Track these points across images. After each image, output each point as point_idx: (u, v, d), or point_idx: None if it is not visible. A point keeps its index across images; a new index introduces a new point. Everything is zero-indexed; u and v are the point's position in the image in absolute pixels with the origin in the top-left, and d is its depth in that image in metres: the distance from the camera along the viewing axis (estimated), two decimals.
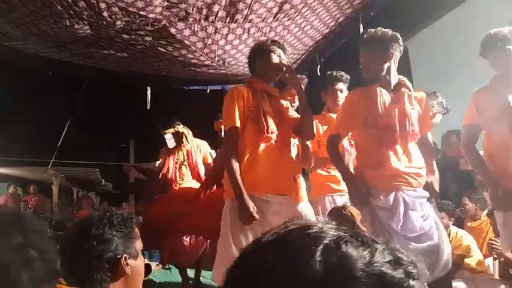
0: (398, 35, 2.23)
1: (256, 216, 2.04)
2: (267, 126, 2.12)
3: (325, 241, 0.42)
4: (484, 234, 3.44)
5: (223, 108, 2.23)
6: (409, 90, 2.24)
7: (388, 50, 2.19)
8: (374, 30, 2.26)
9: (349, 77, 3.09)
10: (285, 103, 2.40)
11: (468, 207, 3.57)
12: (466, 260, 3.15)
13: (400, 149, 2.18)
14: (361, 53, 2.27)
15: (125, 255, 1.25)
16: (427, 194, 2.21)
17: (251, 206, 2.04)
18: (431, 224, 2.14)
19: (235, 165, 2.10)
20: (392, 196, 2.12)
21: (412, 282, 0.42)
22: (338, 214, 2.03)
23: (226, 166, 2.14)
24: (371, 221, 2.12)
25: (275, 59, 2.29)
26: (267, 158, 2.15)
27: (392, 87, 2.25)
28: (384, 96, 2.21)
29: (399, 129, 2.14)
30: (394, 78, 2.25)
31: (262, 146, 2.16)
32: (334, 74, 3.07)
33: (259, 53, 2.34)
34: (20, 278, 0.63)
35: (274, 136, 2.15)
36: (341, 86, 3.04)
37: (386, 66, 2.21)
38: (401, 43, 2.24)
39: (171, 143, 3.79)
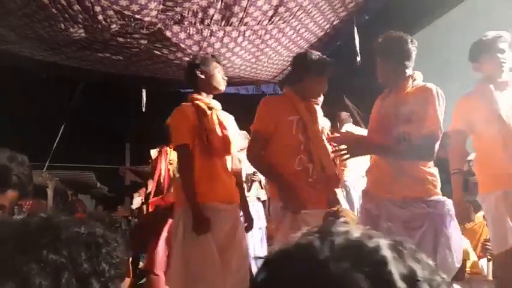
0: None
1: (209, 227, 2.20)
2: (210, 143, 2.30)
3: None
4: (477, 235, 3.46)
5: (171, 126, 2.44)
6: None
7: None
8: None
9: None
10: (226, 114, 2.53)
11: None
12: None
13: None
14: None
15: None
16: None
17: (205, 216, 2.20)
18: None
19: (190, 178, 2.26)
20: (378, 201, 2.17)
21: None
22: (333, 216, 2.04)
23: (183, 179, 2.29)
24: (371, 223, 2.14)
25: (218, 75, 2.45)
26: (215, 169, 2.32)
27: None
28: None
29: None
30: None
31: (209, 159, 2.32)
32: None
33: (202, 67, 2.46)
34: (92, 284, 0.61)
35: (218, 150, 2.33)
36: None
37: None
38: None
39: None
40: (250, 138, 2.40)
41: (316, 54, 2.33)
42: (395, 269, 0.39)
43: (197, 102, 2.42)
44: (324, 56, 2.39)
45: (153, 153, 3.79)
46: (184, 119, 2.36)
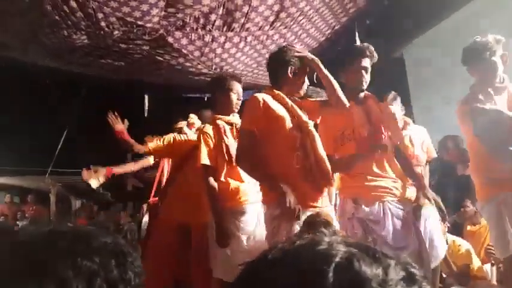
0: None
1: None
2: (231, 157, 2.36)
3: (337, 259, 0.40)
4: (482, 239, 3.44)
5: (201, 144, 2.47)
6: (377, 101, 2.30)
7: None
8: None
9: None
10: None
11: (469, 209, 3.56)
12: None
13: (380, 160, 2.20)
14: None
15: None
16: (410, 203, 2.24)
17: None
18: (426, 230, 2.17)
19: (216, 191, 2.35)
20: (377, 207, 2.13)
21: None
22: (316, 222, 1.98)
23: (211, 191, 2.37)
24: (362, 232, 2.12)
25: (234, 97, 2.55)
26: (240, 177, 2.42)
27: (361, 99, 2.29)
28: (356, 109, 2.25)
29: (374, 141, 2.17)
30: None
31: (231, 170, 2.40)
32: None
33: (220, 89, 2.55)
34: None
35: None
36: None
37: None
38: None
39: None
40: (239, 138, 2.25)
41: (292, 49, 2.23)
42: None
43: (217, 121, 2.51)
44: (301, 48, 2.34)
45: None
46: (205, 140, 2.48)
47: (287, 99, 2.13)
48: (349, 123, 2.21)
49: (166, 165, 3.63)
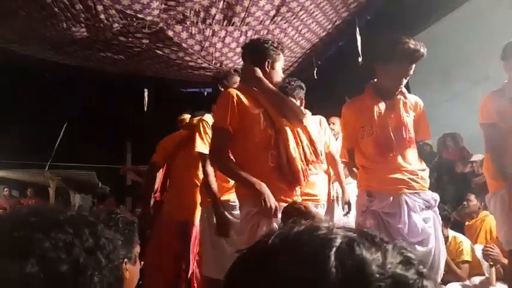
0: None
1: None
2: None
3: (337, 243, 0.41)
4: (477, 232, 3.45)
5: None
6: (405, 97, 2.23)
7: None
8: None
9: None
10: None
11: (472, 204, 3.55)
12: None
13: (400, 155, 2.12)
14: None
15: (125, 259, 1.24)
16: (430, 196, 2.15)
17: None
18: (431, 227, 2.13)
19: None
20: (393, 199, 2.08)
21: (425, 282, 0.41)
22: (294, 209, 1.98)
23: (207, 179, 2.36)
24: (376, 224, 2.07)
25: None
26: None
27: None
28: (379, 105, 2.19)
29: (396, 138, 2.10)
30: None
31: None
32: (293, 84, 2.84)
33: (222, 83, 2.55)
34: (92, 280, 0.66)
35: None
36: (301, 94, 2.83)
37: None
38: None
39: None
40: (212, 136, 2.16)
41: (263, 39, 2.17)
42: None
43: None
44: (270, 40, 2.19)
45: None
46: (204, 128, 2.49)
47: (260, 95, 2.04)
48: (371, 120, 2.13)
49: None
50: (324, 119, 3.06)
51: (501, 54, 2.41)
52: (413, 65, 2.07)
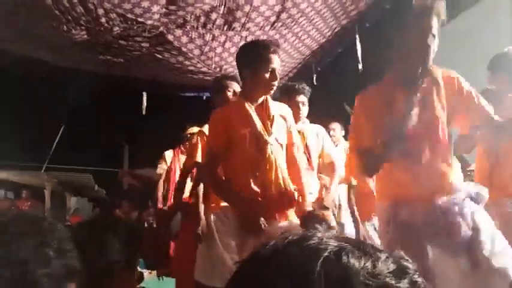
0: None
1: None
2: None
3: (325, 253, 0.40)
4: None
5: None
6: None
7: None
8: None
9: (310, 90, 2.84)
10: None
11: None
12: None
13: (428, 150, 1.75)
14: None
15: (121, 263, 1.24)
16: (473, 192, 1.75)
17: None
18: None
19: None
20: (423, 206, 1.71)
21: None
22: (313, 216, 2.01)
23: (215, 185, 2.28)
24: (400, 239, 1.70)
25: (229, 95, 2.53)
26: None
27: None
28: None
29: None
30: None
31: None
32: (297, 86, 2.81)
33: (216, 90, 2.57)
34: (38, 275, 0.67)
35: None
36: (302, 98, 2.79)
37: None
38: None
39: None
40: (205, 154, 2.23)
41: (252, 44, 2.11)
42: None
43: None
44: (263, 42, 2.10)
45: (168, 154, 3.86)
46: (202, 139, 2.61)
47: (250, 111, 1.99)
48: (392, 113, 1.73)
49: (177, 165, 3.65)
50: (321, 129, 3.01)
51: (488, 65, 2.39)
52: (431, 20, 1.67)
